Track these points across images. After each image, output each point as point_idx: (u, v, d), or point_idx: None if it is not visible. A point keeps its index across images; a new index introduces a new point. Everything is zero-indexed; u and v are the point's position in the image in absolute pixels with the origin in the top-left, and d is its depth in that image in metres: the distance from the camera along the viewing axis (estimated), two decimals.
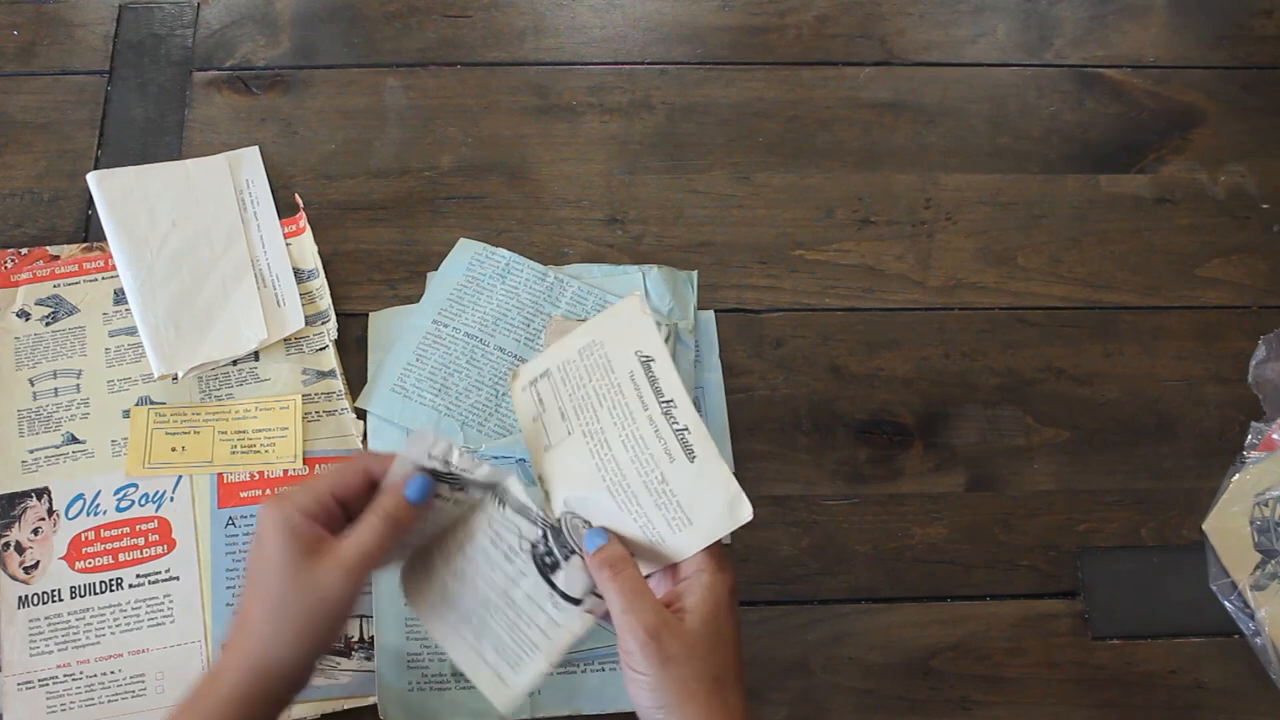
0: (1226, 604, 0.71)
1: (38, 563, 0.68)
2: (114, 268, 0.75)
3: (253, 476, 0.71)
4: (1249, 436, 0.75)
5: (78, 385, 0.73)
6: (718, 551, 0.56)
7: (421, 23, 0.88)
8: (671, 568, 0.56)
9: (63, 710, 0.65)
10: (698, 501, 0.55)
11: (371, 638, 0.67)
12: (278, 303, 0.76)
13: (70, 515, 0.69)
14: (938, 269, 0.81)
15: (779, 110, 0.86)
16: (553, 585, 0.56)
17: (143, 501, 0.70)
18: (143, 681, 0.65)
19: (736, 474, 0.72)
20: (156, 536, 0.69)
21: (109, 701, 0.65)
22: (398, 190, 0.81)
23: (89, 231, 0.78)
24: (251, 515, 0.69)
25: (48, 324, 0.75)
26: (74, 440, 0.71)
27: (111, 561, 0.68)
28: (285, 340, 0.75)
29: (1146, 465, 0.75)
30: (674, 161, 0.84)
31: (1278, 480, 0.73)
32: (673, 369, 0.56)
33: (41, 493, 0.70)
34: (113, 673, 0.66)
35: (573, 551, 0.56)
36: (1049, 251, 0.82)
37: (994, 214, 0.83)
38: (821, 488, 0.74)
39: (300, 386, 0.73)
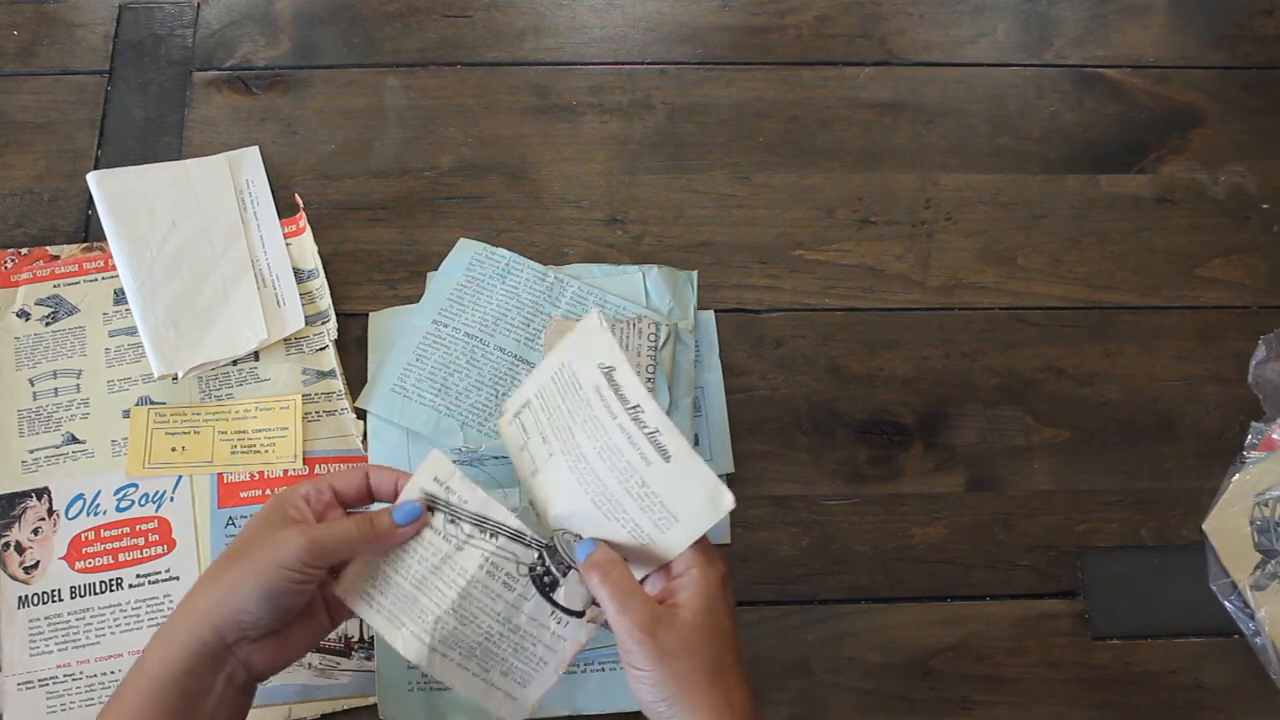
0: (1226, 604, 0.71)
1: (38, 563, 0.68)
2: (114, 268, 0.75)
3: (253, 476, 0.71)
4: (1249, 436, 0.75)
5: (78, 385, 0.73)
6: (706, 546, 0.57)
7: (421, 23, 0.88)
8: (664, 568, 0.57)
9: (63, 710, 0.65)
10: (680, 499, 0.56)
11: (371, 638, 0.67)
12: (278, 303, 0.76)
13: (70, 515, 0.69)
14: (938, 269, 0.81)
15: (779, 110, 0.86)
16: (554, 603, 0.57)
17: (143, 501, 0.70)
18: None
19: (736, 474, 0.73)
20: (156, 536, 0.69)
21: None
22: (398, 190, 0.81)
23: (89, 231, 0.78)
24: (251, 515, 0.69)
25: (48, 324, 0.75)
26: (74, 440, 0.71)
27: (111, 561, 0.68)
28: (285, 340, 0.75)
29: (1146, 465, 0.75)
30: (674, 161, 0.84)
31: (1278, 480, 0.73)
32: (633, 375, 0.57)
33: (41, 493, 0.70)
34: (113, 673, 0.66)
35: (569, 567, 0.57)
36: (1049, 251, 0.82)
37: (994, 214, 0.83)
38: (821, 488, 0.74)
39: (300, 386, 0.73)
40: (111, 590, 0.68)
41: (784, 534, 0.72)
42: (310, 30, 0.87)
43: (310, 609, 0.57)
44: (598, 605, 0.56)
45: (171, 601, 0.67)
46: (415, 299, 0.77)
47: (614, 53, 0.88)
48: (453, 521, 0.58)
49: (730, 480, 0.73)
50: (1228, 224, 0.83)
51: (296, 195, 0.80)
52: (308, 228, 0.79)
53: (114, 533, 0.69)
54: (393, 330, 0.76)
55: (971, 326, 0.79)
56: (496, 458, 0.70)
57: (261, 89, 0.84)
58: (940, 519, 0.73)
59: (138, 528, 0.69)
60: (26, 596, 0.67)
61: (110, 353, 0.74)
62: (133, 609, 0.67)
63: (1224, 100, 0.88)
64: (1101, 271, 0.81)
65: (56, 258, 0.77)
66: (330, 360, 0.74)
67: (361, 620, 0.67)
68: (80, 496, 0.70)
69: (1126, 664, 0.70)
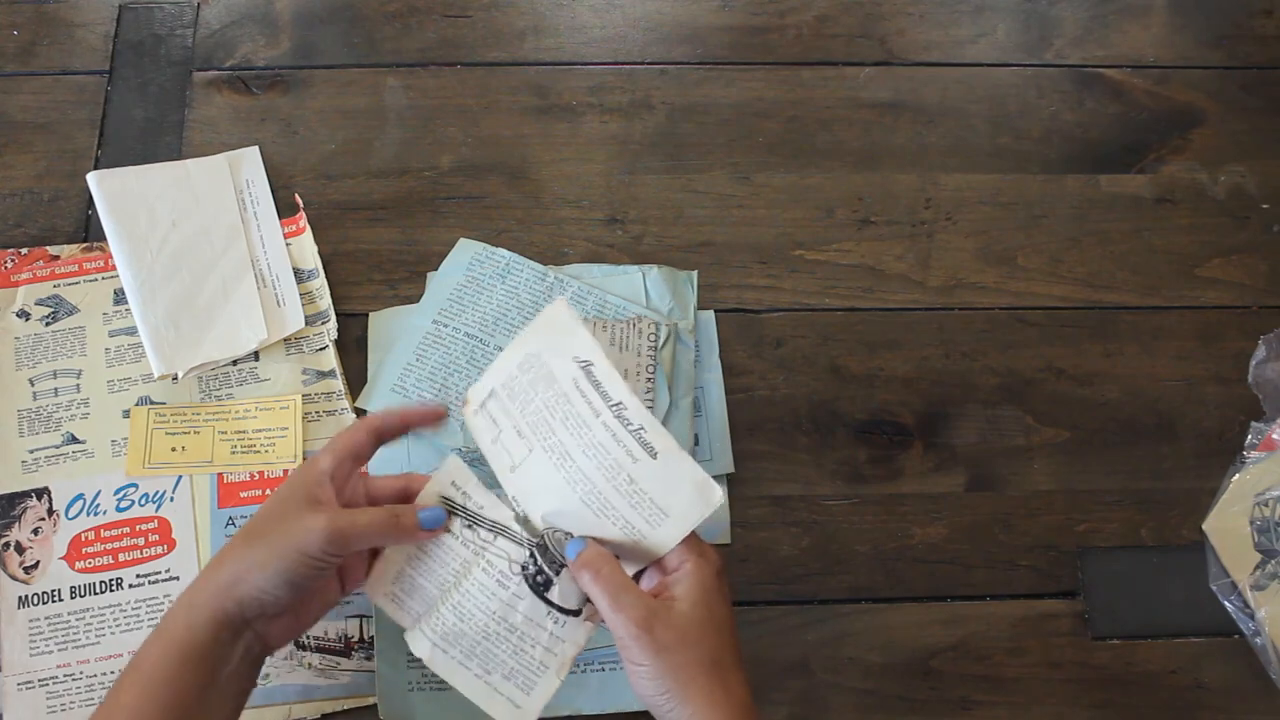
0: (1226, 604, 0.71)
1: (38, 563, 0.68)
2: (114, 268, 0.75)
3: (253, 476, 0.71)
4: (1249, 436, 0.75)
5: (78, 385, 0.73)
6: (699, 540, 0.57)
7: (421, 23, 0.88)
8: (658, 564, 0.57)
9: (63, 710, 0.65)
10: (669, 494, 0.56)
11: (371, 638, 0.67)
12: (278, 303, 0.76)
13: (70, 515, 0.69)
14: (938, 269, 0.81)
15: (779, 110, 0.86)
16: (549, 602, 0.57)
17: (143, 501, 0.70)
18: None
19: (736, 474, 0.73)
20: (156, 536, 0.69)
21: None
22: (398, 190, 0.81)
23: (89, 231, 0.78)
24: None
25: (48, 324, 0.75)
26: (74, 440, 0.71)
27: (111, 561, 0.68)
28: (285, 340, 0.75)
29: (1146, 465, 0.75)
30: (674, 161, 0.83)
31: (1278, 480, 0.73)
32: (613, 370, 0.57)
33: (41, 493, 0.70)
34: (113, 673, 0.66)
35: (562, 566, 0.57)
36: (1049, 251, 0.82)
37: (994, 214, 0.83)
38: (821, 488, 0.74)
39: (300, 386, 0.73)
40: (111, 590, 0.68)
41: (784, 534, 0.72)
42: (310, 30, 0.87)
43: (324, 582, 0.58)
44: (592, 603, 0.56)
45: (171, 602, 0.67)
46: (415, 299, 0.77)
47: (614, 53, 0.88)
48: (470, 527, 0.59)
49: (730, 480, 0.73)
50: (1228, 224, 0.83)
51: (296, 195, 0.80)
52: (308, 228, 0.79)
53: (114, 533, 0.69)
54: (393, 330, 0.76)
55: (971, 326, 0.79)
56: None
57: (261, 89, 0.84)
58: (940, 519, 0.73)
59: (138, 528, 0.69)
60: (26, 596, 0.67)
61: (110, 353, 0.74)
62: (133, 609, 0.67)
63: (1224, 100, 0.88)
64: (1101, 271, 0.81)
65: (56, 258, 0.77)
66: (330, 360, 0.74)
67: (362, 620, 0.67)
68: (80, 496, 0.70)
69: (1126, 664, 0.70)
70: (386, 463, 0.70)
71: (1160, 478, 0.75)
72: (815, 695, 0.68)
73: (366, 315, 0.77)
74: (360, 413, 0.73)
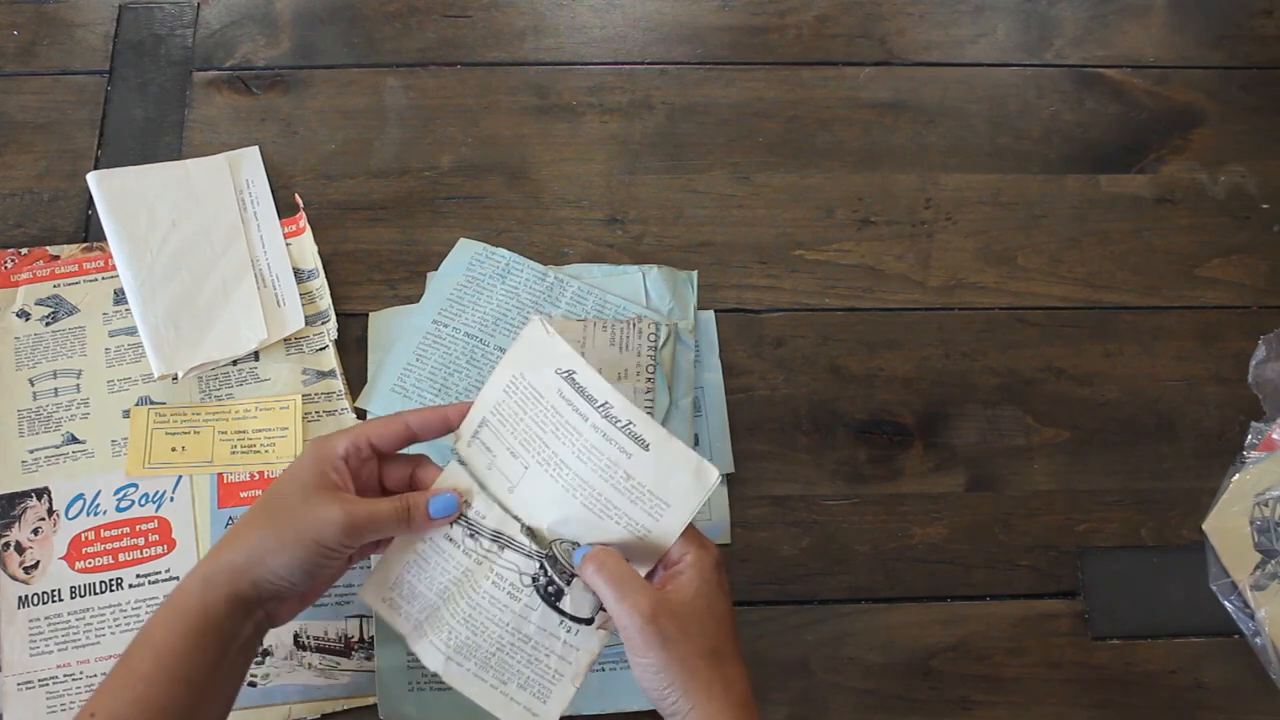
0: (1226, 604, 0.71)
1: (38, 563, 0.68)
2: (114, 268, 0.75)
3: (253, 476, 0.71)
4: (1249, 436, 0.75)
5: (78, 385, 0.73)
6: (698, 532, 0.58)
7: (421, 23, 0.88)
8: (661, 560, 0.58)
9: (63, 710, 0.65)
10: (666, 483, 0.57)
11: (371, 638, 0.67)
12: (278, 303, 0.76)
13: (70, 515, 0.69)
14: (938, 269, 0.81)
15: (779, 110, 0.86)
16: (561, 612, 0.57)
17: (143, 501, 0.70)
18: None
19: (736, 474, 0.73)
20: (156, 536, 0.69)
21: None
22: (398, 190, 0.81)
23: (89, 231, 0.78)
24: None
25: (48, 324, 0.75)
26: (74, 440, 0.71)
27: (111, 561, 0.68)
28: (285, 340, 0.75)
29: (1146, 465, 0.75)
30: (674, 161, 0.84)
31: (1278, 480, 0.73)
32: (595, 373, 0.58)
33: (41, 493, 0.70)
34: None
35: (572, 575, 0.57)
36: (1049, 251, 0.82)
37: (994, 214, 0.83)
38: (821, 488, 0.74)
39: (300, 386, 0.73)
40: (111, 590, 0.68)
41: (784, 534, 0.72)
42: (310, 30, 0.87)
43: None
44: (606, 611, 0.56)
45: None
46: (415, 299, 0.77)
47: (614, 53, 0.88)
48: (472, 536, 0.59)
49: (730, 480, 0.73)
50: (1228, 224, 0.83)
51: (296, 195, 0.80)
52: (308, 228, 0.79)
53: (114, 533, 0.69)
54: (393, 330, 0.76)
55: (971, 326, 0.79)
56: None
57: (261, 89, 0.84)
58: (940, 519, 0.73)
59: (138, 528, 0.69)
60: (26, 596, 0.67)
61: (110, 353, 0.74)
62: (133, 609, 0.67)
63: (1224, 100, 0.88)
64: (1101, 271, 0.81)
65: (56, 258, 0.77)
66: (330, 360, 0.74)
67: (362, 620, 0.67)
68: (80, 496, 0.70)
69: (1126, 664, 0.70)
70: None
71: (1160, 478, 0.75)
72: (815, 695, 0.68)
73: (366, 315, 0.77)
74: (360, 413, 0.73)
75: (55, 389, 0.73)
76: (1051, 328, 0.79)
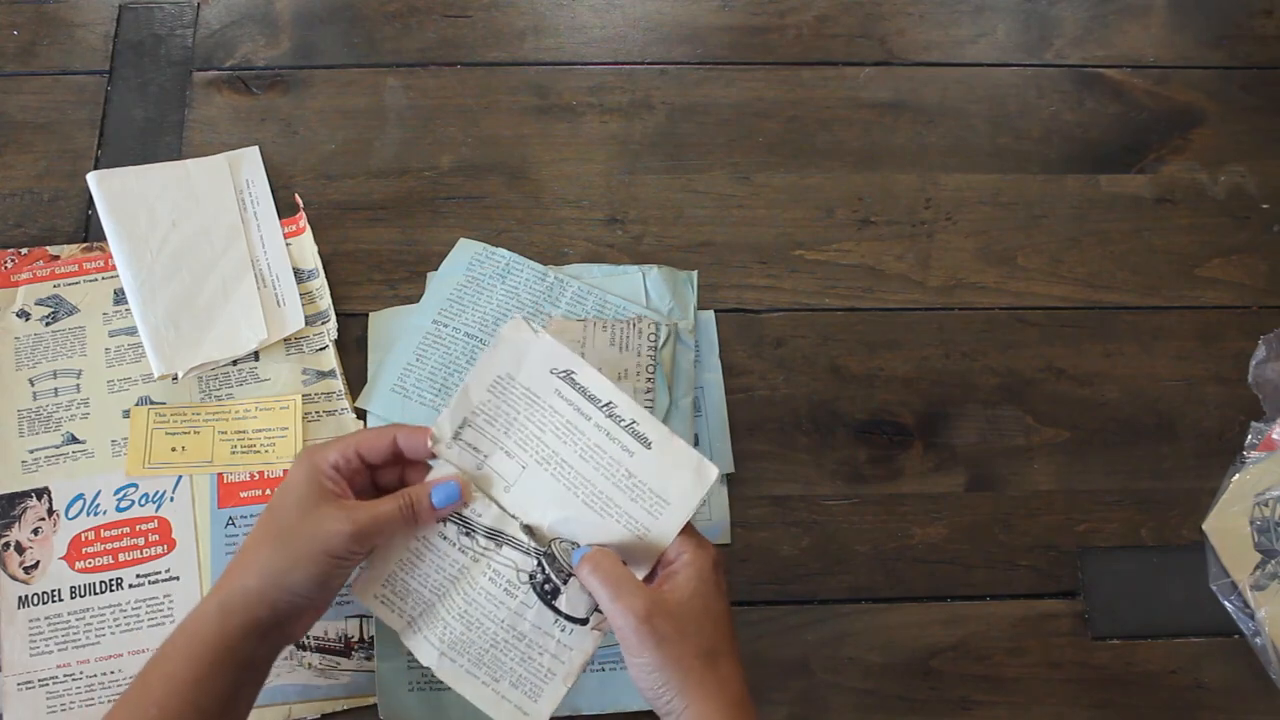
0: (1226, 604, 0.71)
1: (38, 563, 0.68)
2: (114, 268, 0.75)
3: (253, 476, 0.71)
4: (1249, 436, 0.75)
5: (78, 385, 0.73)
6: (696, 532, 0.58)
7: (421, 23, 0.88)
8: (659, 560, 0.58)
9: (63, 710, 0.65)
10: (667, 481, 0.57)
11: (371, 638, 0.67)
12: (278, 303, 0.76)
13: (70, 515, 0.69)
14: (938, 269, 0.81)
15: (779, 110, 0.86)
16: (557, 611, 0.58)
17: (143, 501, 0.70)
18: None
19: (736, 474, 0.73)
20: (156, 536, 0.69)
21: (109, 701, 0.64)
22: (398, 190, 0.81)
23: (89, 231, 0.78)
24: (252, 515, 0.69)
25: (48, 324, 0.75)
26: (74, 440, 0.71)
27: (111, 561, 0.68)
28: (285, 340, 0.75)
29: (1146, 465, 0.75)
30: (674, 161, 0.84)
31: (1278, 480, 0.73)
32: (596, 373, 0.58)
33: (41, 493, 0.70)
34: (113, 673, 0.66)
35: (570, 575, 0.57)
36: (1049, 251, 0.82)
37: (994, 214, 0.83)
38: (821, 488, 0.74)
39: (300, 386, 0.73)
40: (111, 590, 0.68)
41: (784, 534, 0.72)
42: (310, 30, 0.87)
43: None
44: (601, 612, 0.56)
45: (172, 601, 0.67)
46: (415, 299, 0.77)
47: (614, 53, 0.88)
48: (468, 534, 0.59)
49: (730, 480, 0.73)
50: (1228, 224, 0.83)
51: (296, 195, 0.80)
52: (308, 228, 0.79)
53: (114, 533, 0.69)
54: (393, 330, 0.76)
55: (971, 326, 0.79)
56: None
57: (261, 89, 0.84)
58: (940, 519, 0.73)
59: (138, 528, 0.69)
60: (26, 596, 0.67)
61: (110, 353, 0.74)
62: (133, 609, 0.67)
63: (1224, 100, 0.88)
64: (1101, 271, 0.81)
65: (56, 258, 0.77)
66: (330, 360, 0.74)
67: (362, 620, 0.67)
68: (80, 496, 0.70)
69: (1126, 664, 0.70)
70: None
71: (1160, 478, 0.75)
72: (815, 695, 0.68)
73: (366, 315, 0.77)
74: (360, 413, 0.73)
75: (55, 389, 0.73)
76: (1051, 328, 0.79)
